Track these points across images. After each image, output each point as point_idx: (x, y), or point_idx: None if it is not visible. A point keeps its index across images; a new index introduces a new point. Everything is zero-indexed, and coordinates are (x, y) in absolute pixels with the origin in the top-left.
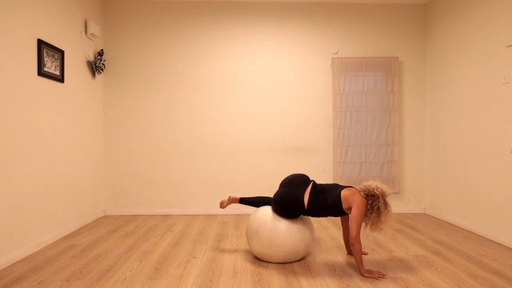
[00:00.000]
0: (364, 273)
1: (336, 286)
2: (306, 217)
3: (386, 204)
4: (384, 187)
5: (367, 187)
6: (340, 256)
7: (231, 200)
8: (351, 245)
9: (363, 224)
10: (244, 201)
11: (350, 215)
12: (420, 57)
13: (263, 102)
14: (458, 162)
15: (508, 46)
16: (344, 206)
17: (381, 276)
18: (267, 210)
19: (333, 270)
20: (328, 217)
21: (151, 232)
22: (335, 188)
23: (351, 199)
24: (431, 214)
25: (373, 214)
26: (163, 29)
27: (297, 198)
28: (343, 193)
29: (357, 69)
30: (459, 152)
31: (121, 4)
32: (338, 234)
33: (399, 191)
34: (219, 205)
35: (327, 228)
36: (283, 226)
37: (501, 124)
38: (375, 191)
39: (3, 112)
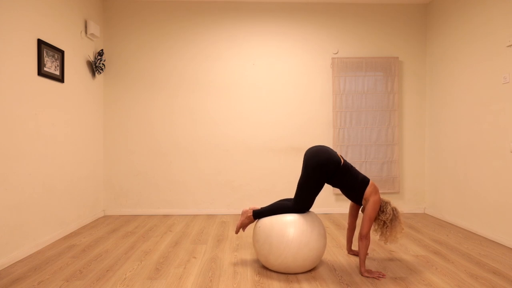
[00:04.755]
0: (364, 272)
1: (336, 286)
2: (319, 237)
3: (396, 211)
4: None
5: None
6: (340, 256)
7: (244, 214)
8: (360, 240)
9: (375, 232)
10: (258, 214)
11: (363, 212)
12: (420, 57)
13: (263, 102)
14: (458, 162)
15: (508, 46)
16: (366, 192)
17: (381, 276)
18: (280, 228)
19: (333, 270)
20: (342, 194)
21: (151, 232)
22: (363, 175)
23: (373, 191)
24: (431, 214)
25: (386, 216)
26: (163, 29)
27: (334, 154)
28: (372, 182)
29: (357, 69)
30: (459, 152)
31: (121, 4)
32: (338, 234)
33: (399, 191)
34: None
35: (326, 228)
36: (299, 253)
37: (501, 124)
38: (384, 199)
39: (3, 112)
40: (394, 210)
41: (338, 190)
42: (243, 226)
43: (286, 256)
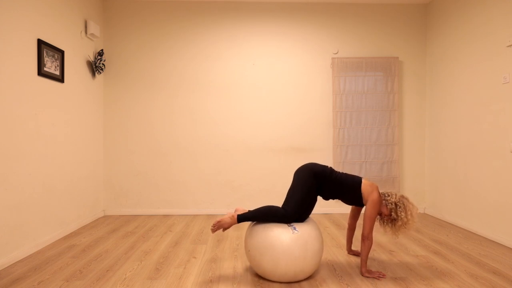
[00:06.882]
0: (364, 272)
1: (337, 286)
2: (314, 255)
3: (407, 201)
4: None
5: (383, 192)
6: (340, 256)
7: (229, 215)
8: (362, 241)
9: (382, 226)
10: (243, 218)
11: (364, 212)
12: (420, 57)
13: (263, 102)
14: (458, 162)
15: (508, 46)
16: (365, 192)
17: (381, 276)
18: (270, 258)
19: (333, 270)
20: (339, 202)
21: (151, 232)
22: (354, 176)
23: (372, 190)
24: (431, 214)
25: (395, 198)
26: (163, 29)
27: (322, 165)
28: (364, 181)
29: (357, 69)
30: (459, 152)
31: (121, 4)
32: (338, 234)
33: (399, 191)
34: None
35: (327, 228)
36: (296, 276)
37: (501, 124)
38: (392, 193)
39: (3, 112)
40: (402, 196)
41: None
42: (222, 225)
43: (283, 280)
